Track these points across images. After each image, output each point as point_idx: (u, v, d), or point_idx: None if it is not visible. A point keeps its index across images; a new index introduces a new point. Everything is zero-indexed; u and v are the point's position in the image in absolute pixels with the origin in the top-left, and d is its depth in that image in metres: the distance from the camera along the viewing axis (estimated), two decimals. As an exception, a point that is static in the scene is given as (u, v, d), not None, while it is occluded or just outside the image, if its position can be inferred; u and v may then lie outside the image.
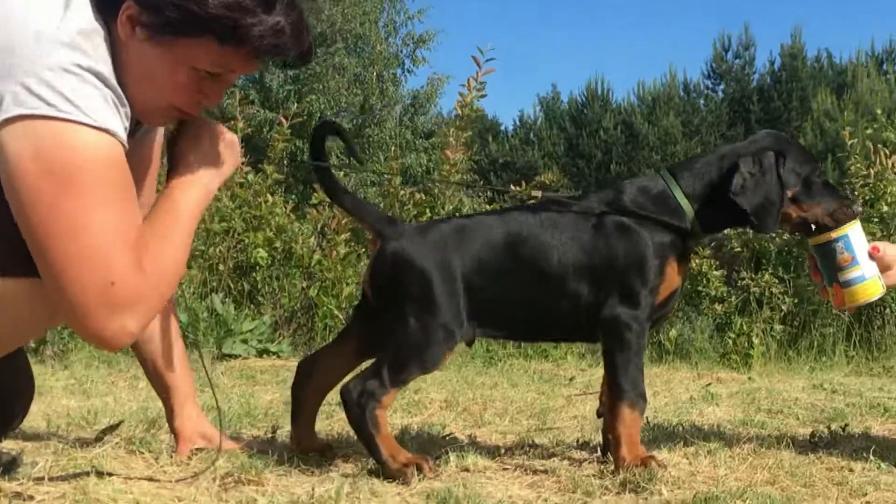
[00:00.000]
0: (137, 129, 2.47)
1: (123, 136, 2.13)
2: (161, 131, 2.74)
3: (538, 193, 2.98)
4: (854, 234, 2.81)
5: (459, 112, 7.71)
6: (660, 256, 2.77)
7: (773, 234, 2.70)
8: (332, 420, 3.56)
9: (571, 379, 5.41)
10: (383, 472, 2.64)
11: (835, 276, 2.84)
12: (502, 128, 34.26)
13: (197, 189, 2.36)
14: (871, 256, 2.82)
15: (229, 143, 2.48)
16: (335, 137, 3.11)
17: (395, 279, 2.76)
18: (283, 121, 8.15)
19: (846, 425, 3.51)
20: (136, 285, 2.09)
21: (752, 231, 3.01)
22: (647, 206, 2.83)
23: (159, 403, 3.92)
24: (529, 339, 3.64)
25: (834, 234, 2.80)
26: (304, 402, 2.96)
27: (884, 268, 2.86)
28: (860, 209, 2.87)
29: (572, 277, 2.78)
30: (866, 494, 2.51)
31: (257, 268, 7.37)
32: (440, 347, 2.71)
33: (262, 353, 6.31)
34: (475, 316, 2.78)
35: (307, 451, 2.89)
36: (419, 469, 2.62)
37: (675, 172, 2.92)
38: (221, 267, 7.39)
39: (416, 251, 2.76)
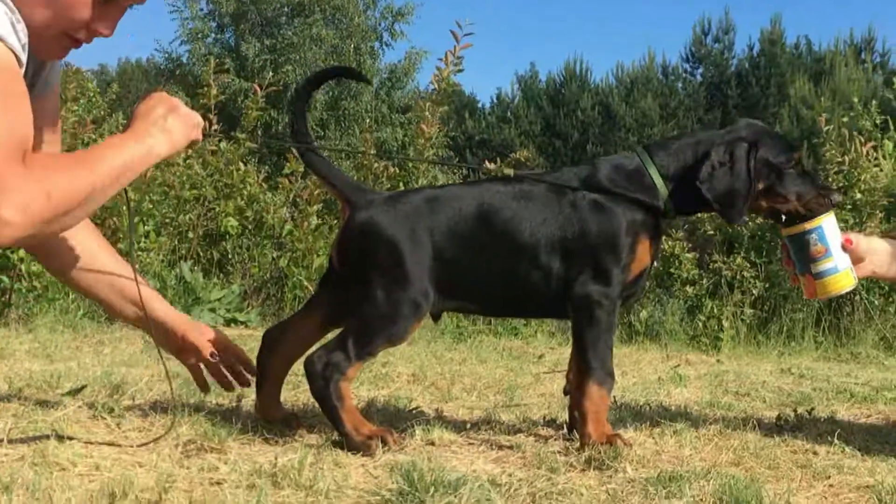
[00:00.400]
0: (37, 79, 2.49)
1: (17, 47, 2.14)
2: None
3: (510, 172, 2.94)
4: (828, 226, 2.80)
5: (436, 86, 7.66)
6: (632, 234, 2.76)
7: (745, 221, 2.67)
8: (297, 391, 3.53)
9: (541, 356, 5.40)
10: (347, 444, 2.63)
11: (807, 267, 2.83)
12: (479, 105, 34.22)
13: (137, 145, 2.40)
14: (845, 248, 2.81)
15: (184, 116, 2.52)
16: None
17: (363, 249, 2.73)
18: (258, 90, 8.07)
19: (812, 409, 3.52)
20: (9, 174, 2.08)
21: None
22: (621, 183, 2.81)
23: (123, 369, 3.92)
24: (500, 313, 3.63)
25: (808, 226, 2.79)
26: (269, 371, 2.93)
27: (856, 259, 2.85)
28: (838, 198, 2.86)
29: (544, 251, 2.75)
30: (829, 477, 2.52)
31: (227, 237, 7.31)
32: (407, 320, 2.69)
33: (230, 322, 6.27)
34: (444, 288, 2.75)
35: (272, 420, 2.87)
36: (383, 441, 2.61)
37: (651, 151, 2.90)
38: (191, 235, 7.33)
39: (386, 220, 2.73)
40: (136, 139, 2.41)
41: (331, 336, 2.80)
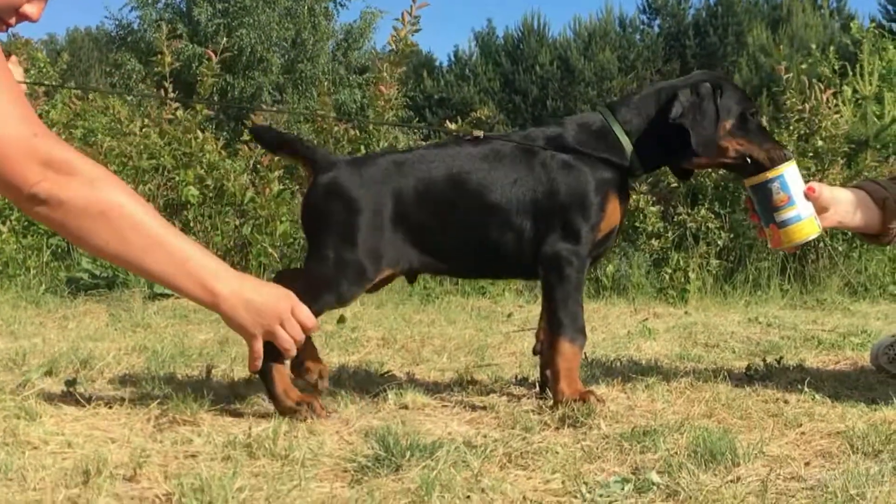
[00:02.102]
0: None
1: None
2: None
3: (479, 133, 2.93)
4: (790, 174, 2.80)
5: (394, 46, 7.59)
6: (601, 193, 2.76)
7: (712, 154, 2.68)
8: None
9: (509, 315, 5.40)
10: (276, 407, 2.65)
11: (771, 217, 2.83)
12: (437, 64, 34.06)
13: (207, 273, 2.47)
14: (807, 196, 2.82)
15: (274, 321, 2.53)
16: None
17: (322, 209, 2.75)
18: (213, 55, 7.95)
19: (781, 358, 3.54)
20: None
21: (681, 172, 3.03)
22: (588, 142, 2.81)
23: (90, 344, 3.89)
24: (472, 275, 3.63)
25: (770, 175, 2.80)
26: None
27: (820, 209, 2.86)
28: (790, 154, 2.88)
29: (514, 212, 2.76)
30: (801, 425, 2.54)
31: (188, 206, 7.23)
32: (352, 283, 2.70)
33: (195, 292, 6.21)
34: (415, 251, 2.76)
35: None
36: (311, 408, 2.61)
37: (613, 108, 2.91)
38: (152, 205, 7.23)
39: (349, 182, 2.74)
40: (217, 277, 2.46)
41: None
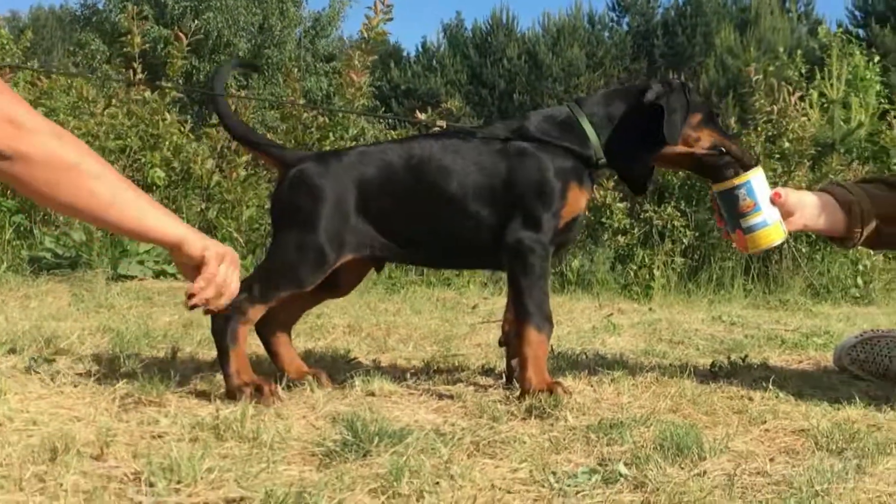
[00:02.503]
0: None
1: None
2: None
3: (443, 124, 2.96)
4: (756, 181, 2.83)
5: (365, 35, 7.57)
6: (561, 180, 2.77)
7: (677, 178, 2.75)
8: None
9: (474, 307, 5.41)
10: (226, 385, 2.67)
11: (737, 223, 2.86)
12: (405, 54, 33.98)
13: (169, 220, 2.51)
14: (773, 202, 2.85)
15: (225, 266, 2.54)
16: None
17: (288, 199, 2.80)
18: (182, 37, 7.88)
19: (745, 356, 3.57)
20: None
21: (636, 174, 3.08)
22: (551, 132, 2.84)
23: (53, 323, 3.85)
24: (436, 264, 3.65)
25: (736, 181, 2.82)
26: (271, 341, 2.98)
27: (786, 213, 2.90)
28: (754, 159, 2.92)
29: (474, 200, 2.77)
30: (765, 422, 2.56)
31: (154, 188, 7.17)
32: (312, 268, 2.72)
33: (159, 274, 6.17)
34: (378, 237, 2.79)
35: (300, 377, 2.87)
36: (258, 391, 2.61)
37: (580, 102, 2.94)
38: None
39: (314, 172, 2.79)
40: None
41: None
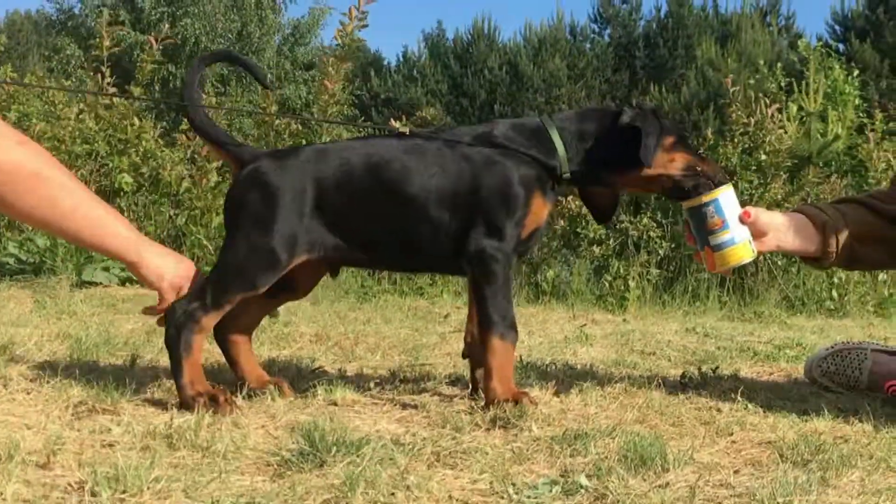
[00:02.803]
0: None
1: None
2: None
3: (405, 130, 2.92)
4: (725, 199, 2.82)
5: (340, 42, 7.53)
6: (525, 188, 2.73)
7: (650, 164, 2.71)
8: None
9: (446, 316, 5.36)
10: (179, 395, 2.60)
11: (706, 240, 2.85)
12: (385, 63, 33.94)
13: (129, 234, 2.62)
14: (743, 221, 2.83)
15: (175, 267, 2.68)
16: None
17: (242, 199, 2.73)
18: (153, 42, 7.82)
19: (716, 367, 3.54)
20: None
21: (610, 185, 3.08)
22: (517, 140, 2.80)
23: (11, 329, 3.78)
24: (390, 266, 3.60)
25: (705, 198, 2.81)
26: (230, 349, 2.92)
27: (758, 233, 2.88)
28: (725, 178, 2.89)
29: (434, 204, 2.72)
30: (732, 434, 2.53)
31: (122, 193, 7.10)
32: (264, 270, 2.67)
33: (124, 281, 6.09)
34: (332, 237, 2.72)
35: (262, 385, 2.82)
36: (213, 401, 2.55)
37: (553, 116, 2.91)
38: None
39: (268, 170, 2.72)
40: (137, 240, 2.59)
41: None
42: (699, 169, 2.83)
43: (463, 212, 2.71)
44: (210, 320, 2.66)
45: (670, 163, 2.83)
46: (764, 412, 2.82)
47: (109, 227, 2.54)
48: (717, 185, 2.82)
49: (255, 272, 2.66)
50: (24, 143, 2.44)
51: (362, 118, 23.25)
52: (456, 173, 2.73)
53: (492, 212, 2.70)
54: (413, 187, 2.72)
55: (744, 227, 2.84)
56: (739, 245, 2.83)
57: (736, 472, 2.17)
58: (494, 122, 2.89)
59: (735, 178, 2.75)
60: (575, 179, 2.86)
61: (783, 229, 2.95)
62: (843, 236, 2.97)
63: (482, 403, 2.70)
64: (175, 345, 2.61)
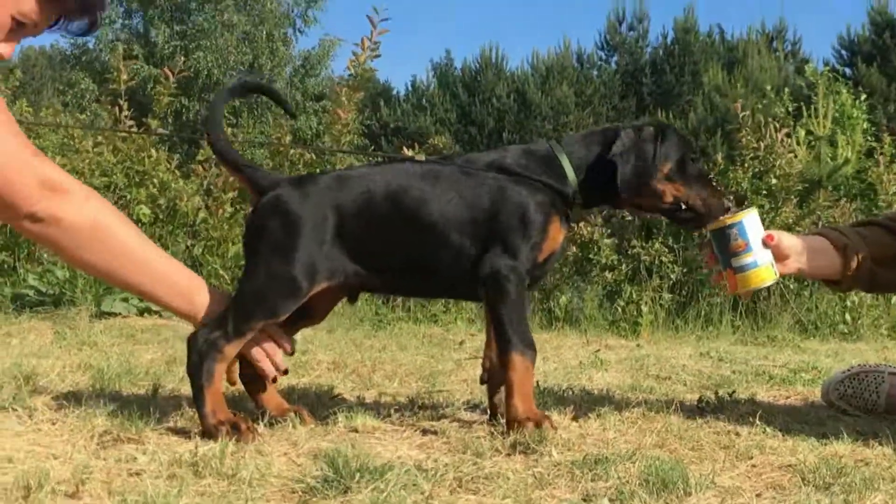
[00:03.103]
0: None
1: None
2: None
3: (421, 157, 2.94)
4: (749, 221, 2.84)
5: (352, 72, 7.59)
6: (542, 213, 2.76)
7: (632, 197, 2.76)
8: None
9: (461, 343, 5.38)
10: (202, 424, 2.61)
11: (728, 262, 2.86)
12: (394, 93, 34.05)
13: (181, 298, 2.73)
14: (766, 244, 2.84)
15: None
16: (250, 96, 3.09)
17: (261, 225, 2.74)
18: (170, 74, 7.88)
19: (733, 392, 3.54)
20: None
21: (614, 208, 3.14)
22: (530, 166, 2.83)
23: (33, 360, 3.81)
24: (410, 292, 3.61)
25: (728, 220, 2.83)
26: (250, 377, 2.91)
27: (781, 257, 2.89)
28: (730, 205, 2.90)
29: (451, 230, 2.75)
30: (752, 457, 2.53)
31: (139, 224, 7.14)
32: (285, 297, 2.68)
33: (143, 311, 6.12)
34: (352, 264, 2.74)
35: (281, 414, 2.81)
36: (235, 429, 2.56)
37: (561, 141, 2.93)
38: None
39: (290, 198, 2.74)
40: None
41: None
42: (690, 204, 2.85)
43: (481, 237, 2.74)
44: (232, 348, 2.67)
45: (661, 195, 2.85)
46: (783, 436, 2.82)
47: (162, 285, 2.64)
48: (716, 218, 2.85)
49: (276, 300, 2.68)
50: (91, 197, 2.54)
51: (372, 147, 23.35)
52: (475, 199, 2.76)
53: (508, 235, 2.73)
54: (432, 213, 2.75)
55: (766, 251, 2.85)
56: (762, 268, 2.84)
57: (758, 495, 2.18)
58: (505, 148, 2.92)
59: (746, 203, 2.75)
60: (585, 203, 2.90)
61: (805, 253, 2.96)
62: (864, 259, 2.99)
63: (502, 428, 2.72)
64: (197, 373, 2.63)
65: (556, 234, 2.80)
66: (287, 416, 2.77)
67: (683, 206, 2.85)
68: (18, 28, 2.48)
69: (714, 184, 2.98)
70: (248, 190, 2.91)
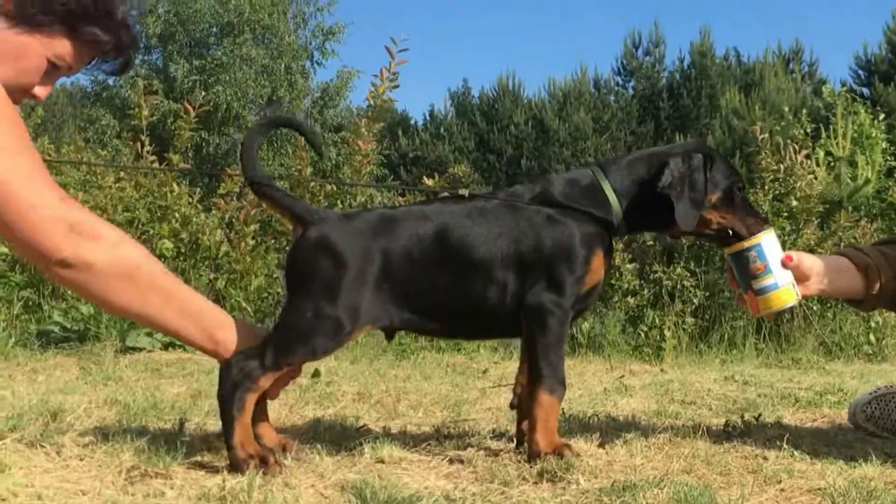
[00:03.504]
0: None
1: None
2: None
3: (465, 192, 2.92)
4: (767, 243, 2.84)
5: (372, 102, 7.63)
6: (587, 246, 2.75)
7: (693, 227, 2.74)
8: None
9: (485, 371, 5.37)
10: (230, 456, 2.59)
11: (749, 285, 2.87)
12: (412, 122, 34.20)
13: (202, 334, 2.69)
14: (785, 265, 2.84)
15: None
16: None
17: (308, 261, 2.71)
18: (190, 109, 7.94)
19: (759, 415, 3.53)
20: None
21: (667, 237, 3.13)
22: (575, 197, 2.82)
23: (60, 397, 3.83)
24: (457, 334, 3.57)
25: (747, 244, 2.84)
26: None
27: (801, 277, 2.89)
28: (769, 227, 2.90)
29: (499, 267, 2.74)
30: (780, 481, 2.52)
31: (163, 259, 7.18)
32: (328, 338, 2.66)
33: (167, 346, 6.14)
34: (398, 308, 2.72)
35: (276, 445, 2.79)
36: (264, 463, 2.55)
37: (604, 167, 2.91)
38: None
39: (338, 236, 2.71)
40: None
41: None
42: (734, 229, 2.86)
43: (526, 271, 2.74)
44: (266, 381, 2.65)
45: (709, 221, 2.86)
46: (811, 459, 2.81)
47: (190, 326, 2.63)
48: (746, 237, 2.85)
49: (319, 339, 2.65)
50: (122, 242, 2.54)
51: (391, 177, 23.43)
52: (520, 234, 2.75)
53: (553, 268, 2.73)
54: (478, 252, 2.73)
55: (786, 271, 2.85)
56: (782, 289, 2.84)
57: (788, 519, 2.17)
58: (549, 178, 2.91)
59: (769, 225, 2.76)
60: (628, 230, 2.91)
61: (826, 274, 2.95)
62: (886, 278, 2.98)
63: (527, 456, 2.72)
64: (229, 403, 2.60)
65: (599, 266, 2.80)
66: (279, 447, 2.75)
67: (731, 233, 2.86)
68: (53, 70, 2.52)
69: (756, 211, 2.97)
70: (291, 223, 2.88)
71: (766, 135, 7.97)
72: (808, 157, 8.13)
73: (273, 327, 2.82)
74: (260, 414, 2.84)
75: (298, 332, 2.66)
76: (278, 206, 2.86)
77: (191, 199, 7.50)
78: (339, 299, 2.65)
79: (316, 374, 4.65)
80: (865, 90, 24.79)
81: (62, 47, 2.49)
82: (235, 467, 2.55)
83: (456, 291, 2.76)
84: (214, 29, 30.40)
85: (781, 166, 7.67)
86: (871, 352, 6.91)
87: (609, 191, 2.83)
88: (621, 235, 2.94)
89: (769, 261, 2.83)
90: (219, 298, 7.05)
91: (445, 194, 3.03)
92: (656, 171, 2.83)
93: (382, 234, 2.73)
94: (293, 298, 2.73)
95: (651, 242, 7.47)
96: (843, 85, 11.70)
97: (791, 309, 6.91)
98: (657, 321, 6.94)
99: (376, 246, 2.71)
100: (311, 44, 31.45)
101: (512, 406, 3.02)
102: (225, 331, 2.66)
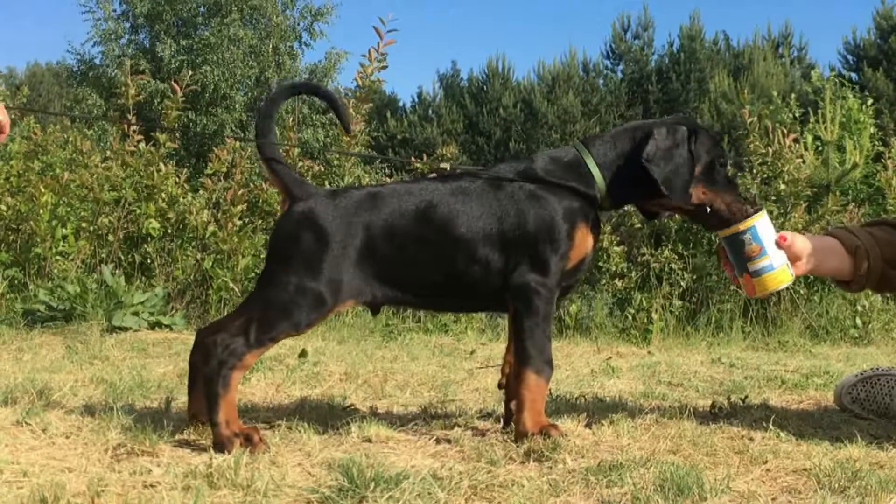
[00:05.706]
0: None
1: None
2: None
3: (446, 166, 2.93)
4: (761, 225, 2.84)
5: (360, 83, 7.60)
6: (569, 221, 2.75)
7: (687, 199, 2.72)
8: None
9: (472, 352, 5.38)
10: (214, 434, 2.59)
11: (745, 267, 2.87)
12: (401, 104, 34.13)
13: None
14: (779, 246, 2.85)
15: None
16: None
17: (291, 235, 2.72)
18: (177, 88, 7.90)
19: (745, 397, 3.54)
20: None
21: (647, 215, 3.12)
22: (557, 173, 2.82)
23: (46, 375, 3.82)
24: (437, 307, 3.58)
25: (741, 226, 2.84)
26: (200, 371, 2.85)
27: (793, 258, 2.90)
28: (760, 206, 2.91)
29: (482, 244, 2.75)
30: (766, 462, 2.53)
31: (149, 239, 7.17)
32: (309, 311, 2.66)
33: (154, 325, 6.14)
34: (382, 283, 2.74)
35: (202, 421, 2.78)
36: (249, 441, 2.55)
37: (587, 143, 2.91)
38: (111, 237, 7.18)
39: (322, 211, 2.72)
40: None
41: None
42: (713, 207, 2.85)
43: (510, 248, 2.75)
44: (252, 358, 2.66)
45: (689, 195, 2.85)
46: (797, 440, 2.82)
47: None
48: (730, 223, 2.85)
49: (301, 313, 2.65)
50: None
51: (379, 159, 23.35)
52: (502, 211, 2.76)
53: (537, 246, 2.73)
54: (461, 229, 2.74)
55: (781, 252, 2.86)
56: (778, 270, 2.85)
57: (773, 499, 2.18)
58: (533, 156, 2.92)
59: (758, 207, 2.74)
60: (613, 204, 2.91)
61: (815, 253, 2.96)
62: (874, 260, 2.99)
63: (514, 436, 2.72)
64: (214, 381, 2.60)
65: (584, 240, 2.80)
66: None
67: (709, 210, 2.86)
68: None
69: (739, 190, 2.97)
70: (281, 194, 2.88)
71: (755, 118, 7.98)
72: (796, 140, 8.13)
73: (247, 299, 2.82)
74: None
75: (280, 306, 2.66)
76: (276, 178, 2.85)
77: (178, 179, 7.46)
78: (322, 274, 2.66)
79: (303, 353, 4.64)
80: (854, 75, 24.82)
81: None
82: (219, 445, 2.54)
83: (439, 268, 2.77)
84: (202, 9, 30.18)
85: (770, 150, 7.67)
86: (857, 335, 6.93)
87: (592, 165, 2.84)
88: (607, 209, 2.93)
89: (764, 243, 2.84)
90: (205, 279, 7.04)
91: (433, 175, 3.02)
92: (640, 143, 2.83)
93: (367, 211, 2.74)
94: (274, 270, 2.73)
95: (639, 225, 7.47)
96: (832, 69, 11.73)
97: (778, 292, 6.96)
98: (644, 304, 6.94)
99: (360, 222, 2.72)
100: (299, 24, 31.32)
101: (500, 386, 3.03)
102: None
